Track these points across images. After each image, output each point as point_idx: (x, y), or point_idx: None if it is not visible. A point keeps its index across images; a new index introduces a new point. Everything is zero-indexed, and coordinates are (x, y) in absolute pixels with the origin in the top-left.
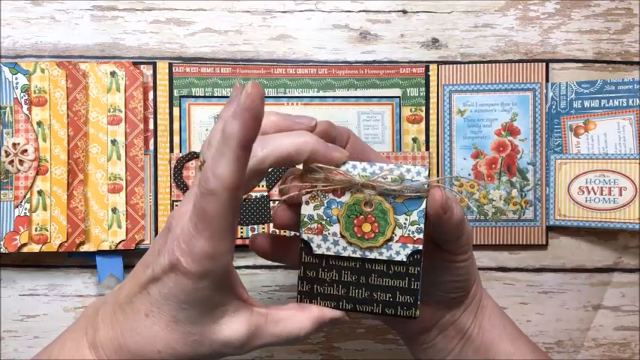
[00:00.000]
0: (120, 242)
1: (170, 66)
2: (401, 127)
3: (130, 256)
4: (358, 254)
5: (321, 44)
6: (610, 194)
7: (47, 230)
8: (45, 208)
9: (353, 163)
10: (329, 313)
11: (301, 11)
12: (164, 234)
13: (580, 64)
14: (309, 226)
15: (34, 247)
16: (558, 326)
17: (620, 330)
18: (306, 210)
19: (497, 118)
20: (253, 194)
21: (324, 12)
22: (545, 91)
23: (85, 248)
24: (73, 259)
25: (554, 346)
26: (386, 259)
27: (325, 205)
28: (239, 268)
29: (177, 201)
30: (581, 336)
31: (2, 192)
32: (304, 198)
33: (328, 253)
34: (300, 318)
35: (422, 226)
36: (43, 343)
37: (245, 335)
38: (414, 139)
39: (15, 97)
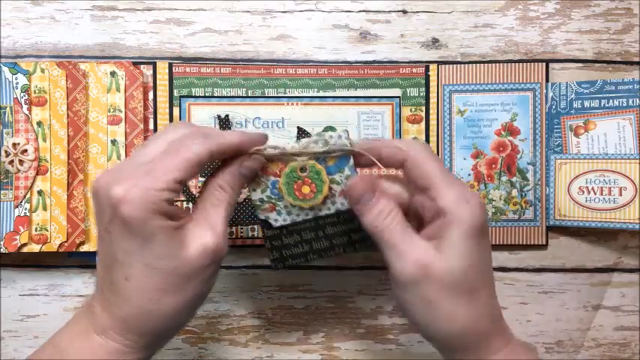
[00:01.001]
0: None
1: (170, 66)
2: (401, 127)
3: None
4: (310, 216)
5: (321, 44)
6: (610, 194)
7: (47, 230)
8: (45, 208)
9: (284, 143)
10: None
11: (301, 11)
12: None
13: (580, 64)
14: (263, 207)
15: (34, 247)
16: (558, 326)
17: (620, 330)
18: (256, 195)
19: (497, 118)
20: None
21: (324, 12)
22: (545, 91)
23: (85, 248)
24: (73, 259)
25: (554, 346)
26: (335, 212)
27: (270, 186)
28: (239, 268)
29: (177, 201)
30: (581, 336)
31: (2, 192)
32: (250, 187)
33: (285, 223)
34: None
35: (355, 175)
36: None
37: (213, 237)
38: (414, 139)
39: (15, 97)
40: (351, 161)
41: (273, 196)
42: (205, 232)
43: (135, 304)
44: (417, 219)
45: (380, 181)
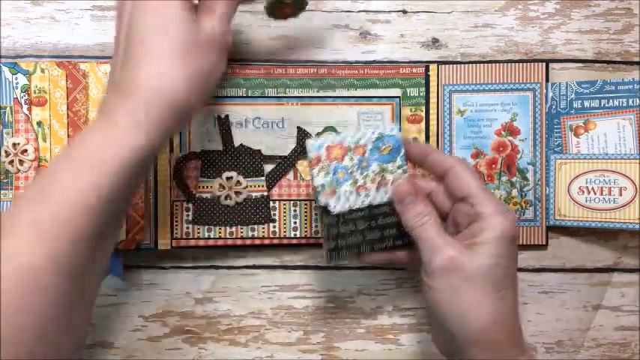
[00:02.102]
0: (120, 242)
1: None
2: (401, 127)
3: (130, 256)
4: (366, 204)
5: (321, 44)
6: (610, 194)
7: None
8: None
9: (343, 133)
10: None
11: None
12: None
13: (580, 64)
14: (324, 192)
15: None
16: (558, 326)
17: (620, 330)
18: (318, 181)
19: (497, 118)
20: (253, 194)
21: (324, 12)
22: (545, 91)
23: None
24: None
25: (554, 346)
26: (387, 201)
27: (332, 172)
28: (239, 268)
29: (177, 201)
30: (581, 336)
31: (2, 192)
32: (314, 172)
33: (343, 209)
34: None
35: (406, 166)
36: None
37: (218, 21)
38: (414, 139)
39: (15, 97)
40: (403, 152)
41: (334, 181)
42: (214, 18)
43: (149, 66)
44: (453, 226)
45: (421, 186)
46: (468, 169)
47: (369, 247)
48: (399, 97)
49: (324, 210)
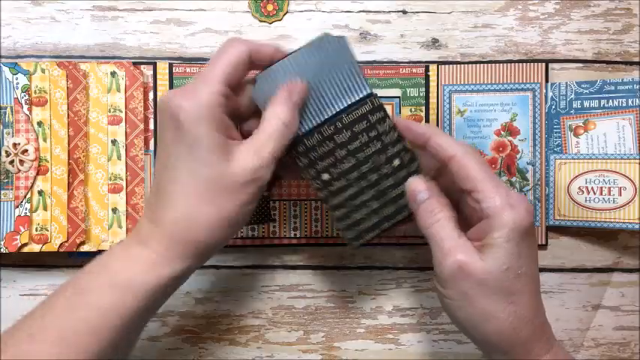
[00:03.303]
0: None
1: (170, 66)
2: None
3: None
4: (329, 113)
5: None
6: (610, 194)
7: (47, 230)
8: (45, 208)
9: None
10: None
11: (301, 11)
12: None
13: (579, 64)
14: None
15: (35, 247)
16: (558, 326)
17: (620, 330)
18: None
19: (497, 118)
20: None
21: (324, 12)
22: (544, 91)
23: (85, 248)
24: (73, 259)
25: None
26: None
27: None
28: (239, 268)
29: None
30: (580, 336)
31: (3, 192)
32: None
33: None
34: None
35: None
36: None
37: (255, 160)
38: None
39: (15, 97)
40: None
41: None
42: (250, 155)
43: (176, 207)
44: (464, 219)
45: (434, 184)
46: (473, 156)
47: (388, 222)
48: (399, 97)
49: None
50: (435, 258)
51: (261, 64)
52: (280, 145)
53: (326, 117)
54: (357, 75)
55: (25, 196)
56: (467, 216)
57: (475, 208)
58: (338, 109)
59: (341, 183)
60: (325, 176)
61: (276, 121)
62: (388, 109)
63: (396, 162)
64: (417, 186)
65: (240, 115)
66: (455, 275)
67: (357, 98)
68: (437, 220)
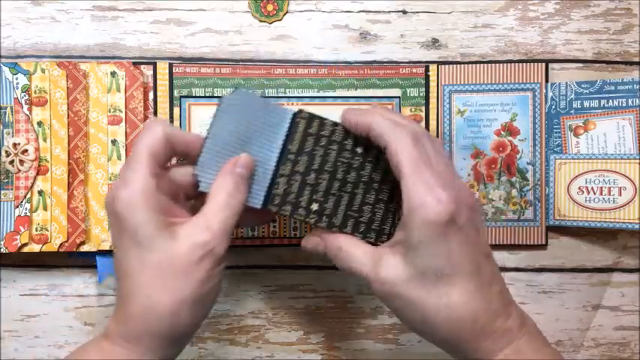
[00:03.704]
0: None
1: (170, 66)
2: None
3: None
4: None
5: (321, 44)
6: (610, 194)
7: (47, 230)
8: (45, 208)
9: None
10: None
11: (301, 11)
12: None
13: (580, 64)
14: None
15: (35, 247)
16: (558, 326)
17: (620, 330)
18: None
19: (497, 118)
20: None
21: (324, 12)
22: (544, 91)
23: (85, 248)
24: (73, 259)
25: (554, 345)
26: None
27: None
28: (240, 268)
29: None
30: (580, 336)
31: (3, 192)
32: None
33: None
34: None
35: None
36: (44, 342)
37: (206, 235)
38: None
39: (15, 97)
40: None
41: None
42: (198, 230)
43: (132, 301)
44: None
45: (323, 233)
46: (405, 141)
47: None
48: (399, 97)
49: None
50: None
51: (183, 151)
52: (229, 216)
53: (276, 160)
54: (273, 107)
55: (25, 196)
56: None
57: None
58: (281, 146)
59: (332, 200)
60: (314, 206)
61: (222, 193)
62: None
63: (359, 149)
64: (310, 245)
65: (186, 191)
66: (387, 296)
67: (289, 124)
68: (339, 250)
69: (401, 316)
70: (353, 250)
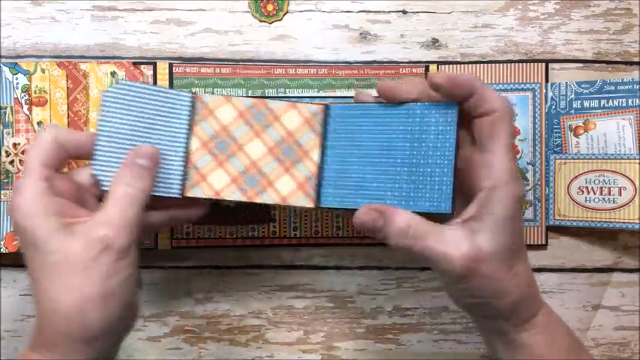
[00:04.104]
0: None
1: (170, 66)
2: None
3: None
4: None
5: (321, 44)
6: (610, 194)
7: None
8: None
9: None
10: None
11: (301, 11)
12: None
13: (580, 64)
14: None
15: None
16: None
17: (620, 330)
18: None
19: None
20: None
21: (324, 12)
22: (544, 91)
23: None
24: None
25: None
26: None
27: None
28: (239, 268)
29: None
30: (580, 336)
31: (3, 192)
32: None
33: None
34: None
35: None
36: None
37: (104, 229)
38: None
39: (15, 97)
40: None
41: None
42: (96, 225)
43: (41, 307)
44: (464, 183)
45: (383, 207)
46: (507, 118)
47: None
48: None
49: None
50: (434, 266)
51: (77, 152)
52: (128, 207)
53: (184, 146)
54: (165, 93)
55: None
56: (466, 181)
57: (478, 173)
58: (186, 131)
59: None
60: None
61: (119, 184)
62: None
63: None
64: (364, 218)
65: (94, 193)
66: (465, 275)
67: (189, 108)
68: (413, 233)
69: (469, 290)
70: (425, 228)
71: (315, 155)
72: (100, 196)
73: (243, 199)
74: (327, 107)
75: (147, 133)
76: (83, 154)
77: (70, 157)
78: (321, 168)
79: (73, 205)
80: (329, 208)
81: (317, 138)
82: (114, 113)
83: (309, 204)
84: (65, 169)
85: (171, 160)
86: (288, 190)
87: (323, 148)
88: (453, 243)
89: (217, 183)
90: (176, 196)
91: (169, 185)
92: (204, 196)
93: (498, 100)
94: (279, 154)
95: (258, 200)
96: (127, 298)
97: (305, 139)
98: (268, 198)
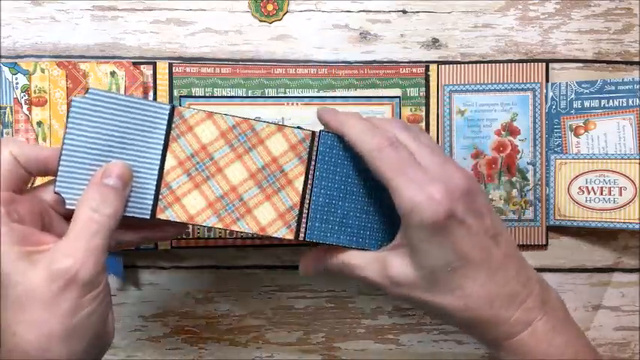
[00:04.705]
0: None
1: (170, 66)
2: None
3: (130, 256)
4: None
5: (321, 44)
6: (610, 194)
7: None
8: None
9: None
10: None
11: (301, 11)
12: None
13: (580, 64)
14: None
15: None
16: None
17: (620, 330)
18: None
19: (497, 118)
20: None
21: (324, 12)
22: (545, 91)
23: None
24: None
25: None
26: None
27: None
28: (239, 268)
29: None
30: None
31: None
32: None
33: None
34: None
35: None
36: None
37: (67, 261)
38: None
39: (15, 97)
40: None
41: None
42: (58, 256)
43: (3, 342)
44: None
45: (320, 251)
46: (378, 149)
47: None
48: (399, 97)
49: None
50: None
51: (41, 168)
52: (94, 234)
53: (159, 163)
54: (142, 105)
55: None
56: None
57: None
58: (162, 147)
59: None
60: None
61: (85, 209)
62: (388, 109)
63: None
64: (306, 264)
65: (60, 212)
66: (402, 300)
67: (167, 121)
68: (339, 259)
69: (421, 309)
70: (356, 262)
71: (300, 184)
72: (68, 215)
73: (219, 225)
74: (315, 134)
75: (118, 147)
76: (48, 171)
77: (31, 175)
78: (308, 199)
79: (37, 231)
80: (312, 242)
81: (302, 166)
82: (82, 125)
83: (288, 235)
84: (29, 186)
85: (145, 177)
86: (268, 219)
87: (313, 177)
88: (383, 273)
89: (192, 206)
90: (146, 217)
91: (141, 205)
92: (177, 220)
93: (363, 138)
94: (261, 180)
95: (234, 228)
96: (95, 330)
97: (290, 166)
98: (246, 226)
